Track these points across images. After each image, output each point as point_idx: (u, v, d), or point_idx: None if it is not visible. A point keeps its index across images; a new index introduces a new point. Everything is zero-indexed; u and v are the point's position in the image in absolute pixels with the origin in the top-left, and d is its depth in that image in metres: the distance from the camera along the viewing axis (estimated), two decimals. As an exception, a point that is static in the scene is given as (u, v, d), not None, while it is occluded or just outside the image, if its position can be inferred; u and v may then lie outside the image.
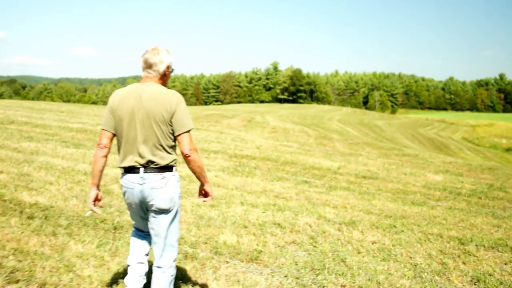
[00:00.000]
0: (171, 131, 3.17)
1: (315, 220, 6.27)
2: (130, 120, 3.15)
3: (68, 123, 15.52)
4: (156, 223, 3.27)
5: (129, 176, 3.21)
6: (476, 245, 5.58)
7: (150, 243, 3.51)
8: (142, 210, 3.32)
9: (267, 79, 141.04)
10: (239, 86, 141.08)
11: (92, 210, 3.38)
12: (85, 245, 4.69)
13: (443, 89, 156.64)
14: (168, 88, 3.29)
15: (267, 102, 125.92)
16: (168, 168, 3.21)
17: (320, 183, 9.12)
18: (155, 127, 3.13)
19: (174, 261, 3.37)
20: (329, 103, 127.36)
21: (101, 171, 3.33)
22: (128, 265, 3.51)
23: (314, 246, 5.25)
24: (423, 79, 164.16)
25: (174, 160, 3.25)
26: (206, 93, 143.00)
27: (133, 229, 3.61)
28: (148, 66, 3.22)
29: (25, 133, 12.19)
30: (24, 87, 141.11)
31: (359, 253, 5.14)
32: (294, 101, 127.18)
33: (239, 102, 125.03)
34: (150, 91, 3.17)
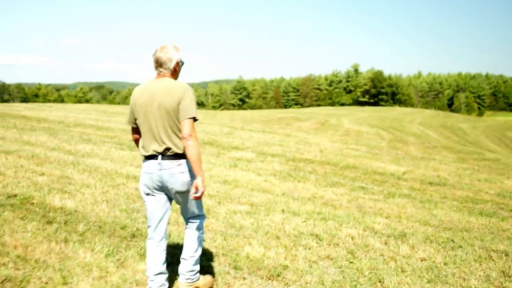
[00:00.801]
0: None
1: (360, 232, 5.62)
2: (146, 113, 3.47)
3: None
4: (179, 201, 3.63)
5: (149, 162, 3.53)
6: (548, 266, 4.72)
7: (165, 250, 3.68)
8: (159, 192, 3.58)
9: (348, 81, 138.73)
10: (319, 89, 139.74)
11: None
12: (94, 253, 4.34)
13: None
14: (179, 83, 3.51)
15: (347, 105, 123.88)
16: (182, 156, 3.47)
17: (378, 190, 8.39)
18: (167, 117, 3.41)
19: (202, 224, 3.81)
20: (412, 105, 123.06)
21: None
22: (148, 277, 3.64)
23: (351, 262, 4.62)
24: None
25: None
26: (286, 96, 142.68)
27: (148, 238, 3.67)
28: (159, 65, 3.51)
29: (85, 136, 12.28)
30: (111, 92, 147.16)
31: (402, 271, 4.46)
32: (375, 104, 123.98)
33: (319, 105, 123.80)
34: (161, 85, 3.46)
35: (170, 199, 3.66)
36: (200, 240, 3.80)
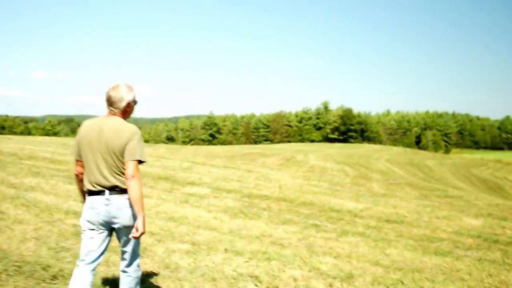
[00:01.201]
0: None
1: (304, 273, 5.27)
2: (92, 149, 3.49)
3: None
4: (121, 237, 3.60)
5: (95, 197, 3.51)
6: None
7: (93, 272, 3.63)
8: (103, 228, 3.57)
9: (317, 118, 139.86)
10: (289, 126, 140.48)
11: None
12: (0, 300, 3.89)
13: (499, 128, 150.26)
14: (128, 124, 3.57)
15: (317, 141, 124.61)
16: (126, 191, 3.48)
17: (332, 228, 8.08)
18: (114, 157, 3.46)
19: (138, 266, 3.75)
20: (381, 142, 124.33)
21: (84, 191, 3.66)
22: None
23: (287, 308, 4.26)
24: (478, 118, 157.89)
25: None
26: (256, 132, 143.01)
27: (77, 265, 3.63)
28: (110, 104, 3.57)
29: (36, 169, 11.73)
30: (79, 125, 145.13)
31: (343, 318, 4.11)
32: (344, 141, 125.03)
33: (289, 141, 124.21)
34: (110, 125, 3.51)
35: (110, 236, 3.66)
36: (138, 281, 3.79)
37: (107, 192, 3.48)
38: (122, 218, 3.50)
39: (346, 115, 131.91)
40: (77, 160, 3.64)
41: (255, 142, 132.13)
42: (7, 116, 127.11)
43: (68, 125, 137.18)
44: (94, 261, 3.59)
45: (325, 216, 9.16)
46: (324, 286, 4.91)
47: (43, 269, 4.74)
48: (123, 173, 3.48)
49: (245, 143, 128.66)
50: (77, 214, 6.94)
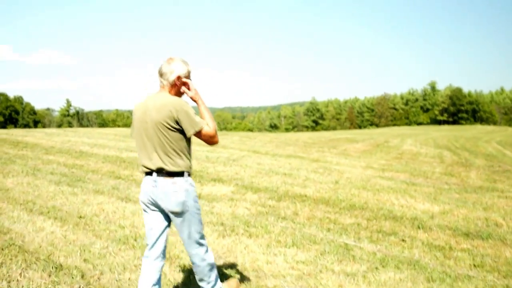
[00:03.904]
0: (179, 137, 3.24)
1: None
2: (141, 128, 3.32)
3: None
4: (176, 224, 3.36)
5: (146, 178, 3.36)
6: None
7: (159, 271, 3.44)
8: (156, 211, 3.38)
9: (425, 100, 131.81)
10: (395, 109, 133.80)
11: None
12: None
13: None
14: (171, 98, 3.29)
15: (425, 124, 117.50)
16: (179, 174, 3.26)
17: (368, 251, 5.29)
18: (160, 135, 3.22)
19: (205, 253, 3.45)
20: (495, 123, 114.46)
21: None
22: None
23: None
24: None
25: (186, 165, 3.29)
26: (361, 116, 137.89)
27: (144, 256, 3.46)
28: (160, 75, 3.36)
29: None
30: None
31: None
32: (454, 123, 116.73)
33: (395, 125, 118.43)
34: (156, 100, 3.28)
35: (168, 219, 3.43)
36: (210, 268, 3.50)
37: (154, 174, 3.27)
38: (167, 203, 3.26)
39: (456, 95, 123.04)
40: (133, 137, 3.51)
41: (360, 127, 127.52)
42: (117, 110, 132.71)
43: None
44: (153, 245, 3.39)
45: (372, 228, 6.35)
46: None
47: None
48: (169, 153, 3.23)
49: (349, 128, 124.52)
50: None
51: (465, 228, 6.59)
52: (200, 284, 3.55)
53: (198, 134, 3.26)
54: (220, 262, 4.74)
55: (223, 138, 22.58)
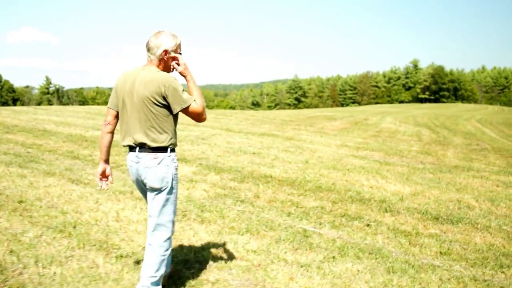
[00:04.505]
0: (165, 113, 3.16)
1: None
2: (126, 101, 3.19)
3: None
4: (150, 201, 3.26)
5: (129, 154, 3.29)
6: None
7: (153, 234, 3.28)
8: (141, 187, 3.36)
9: (407, 78, 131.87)
10: (377, 87, 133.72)
11: (100, 187, 3.46)
12: None
13: None
14: (159, 73, 3.17)
15: (406, 102, 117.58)
16: (162, 149, 3.19)
17: (328, 237, 4.89)
18: (146, 110, 3.13)
19: (166, 240, 3.27)
20: (476, 101, 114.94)
21: (108, 147, 3.43)
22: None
23: None
24: None
25: (170, 141, 3.22)
26: (343, 94, 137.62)
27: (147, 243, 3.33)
28: (147, 49, 3.25)
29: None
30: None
31: None
32: (436, 101, 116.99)
33: (377, 103, 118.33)
34: (144, 74, 3.17)
35: None
36: (163, 259, 3.27)
37: (137, 149, 3.21)
38: (149, 178, 3.18)
39: (438, 73, 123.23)
40: (109, 108, 3.36)
41: (342, 105, 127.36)
42: (97, 87, 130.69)
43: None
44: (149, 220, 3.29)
45: (336, 212, 5.96)
46: None
47: None
48: (153, 129, 3.15)
49: (331, 106, 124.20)
50: None
51: (435, 211, 6.24)
52: (142, 275, 3.26)
53: (185, 111, 3.18)
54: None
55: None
